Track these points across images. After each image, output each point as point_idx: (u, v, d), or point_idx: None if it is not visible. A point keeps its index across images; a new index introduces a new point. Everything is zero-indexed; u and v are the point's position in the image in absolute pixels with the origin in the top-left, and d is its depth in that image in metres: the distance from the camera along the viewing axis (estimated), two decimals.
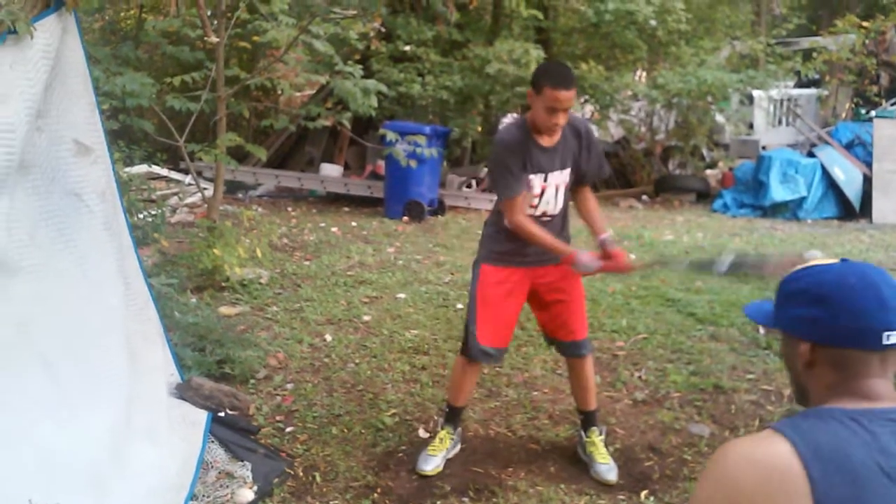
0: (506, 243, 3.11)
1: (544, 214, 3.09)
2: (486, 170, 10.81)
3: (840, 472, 1.15)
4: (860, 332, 1.28)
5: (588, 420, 3.33)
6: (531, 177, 3.01)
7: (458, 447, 3.37)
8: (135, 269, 3.22)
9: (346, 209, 9.75)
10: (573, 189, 3.17)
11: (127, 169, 6.87)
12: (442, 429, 3.33)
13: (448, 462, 3.26)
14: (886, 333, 1.27)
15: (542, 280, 3.14)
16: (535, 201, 3.05)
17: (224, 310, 5.00)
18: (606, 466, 3.19)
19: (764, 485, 1.17)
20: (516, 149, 2.99)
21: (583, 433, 3.33)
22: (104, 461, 2.67)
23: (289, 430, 3.52)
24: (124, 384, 2.92)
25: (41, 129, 2.61)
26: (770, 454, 1.19)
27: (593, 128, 12.79)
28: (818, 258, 1.41)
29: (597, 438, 3.28)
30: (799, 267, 1.40)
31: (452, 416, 3.35)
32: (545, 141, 3.02)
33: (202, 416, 3.30)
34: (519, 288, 3.16)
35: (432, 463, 3.21)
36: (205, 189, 6.28)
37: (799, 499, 1.14)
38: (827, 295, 1.31)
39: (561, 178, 3.07)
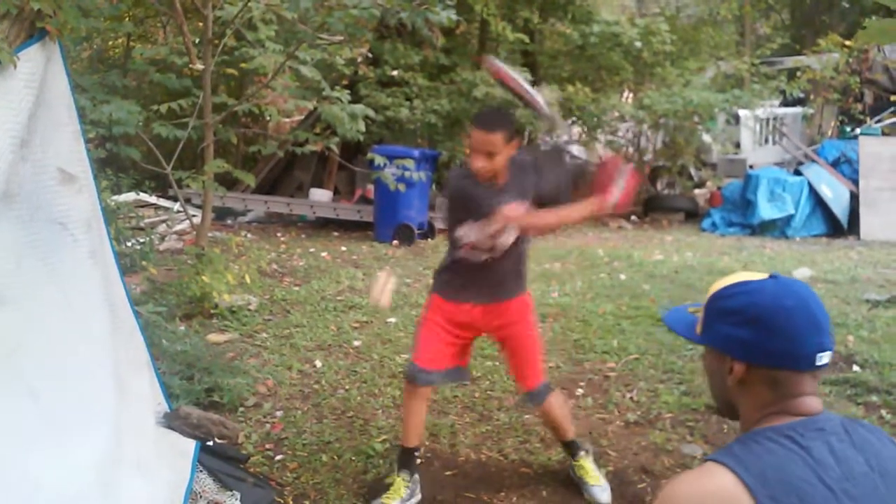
0: (454, 277, 3.07)
1: (492, 249, 2.95)
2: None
3: (786, 493, 1.17)
4: (795, 354, 1.30)
5: (570, 447, 3.29)
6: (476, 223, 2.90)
7: (417, 497, 3.15)
8: (121, 297, 3.20)
9: (336, 234, 9.74)
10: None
11: (115, 197, 6.86)
12: (397, 475, 3.13)
13: (439, 488, 3.23)
14: (819, 355, 1.30)
15: (491, 321, 3.08)
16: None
17: (213, 337, 4.97)
18: (599, 488, 3.16)
19: None
20: (457, 193, 2.97)
21: (571, 458, 3.30)
22: (93, 492, 2.63)
23: (278, 458, 3.49)
24: (111, 414, 2.89)
25: (25, 158, 2.59)
26: (717, 487, 1.19)
27: (579, 149, 12.88)
28: (745, 273, 1.40)
29: (584, 461, 3.24)
30: (731, 283, 1.39)
31: (405, 459, 3.16)
32: (488, 180, 2.91)
33: (190, 445, 3.26)
34: (466, 324, 3.08)
35: None
36: (193, 216, 6.26)
37: None
38: (762, 317, 1.31)
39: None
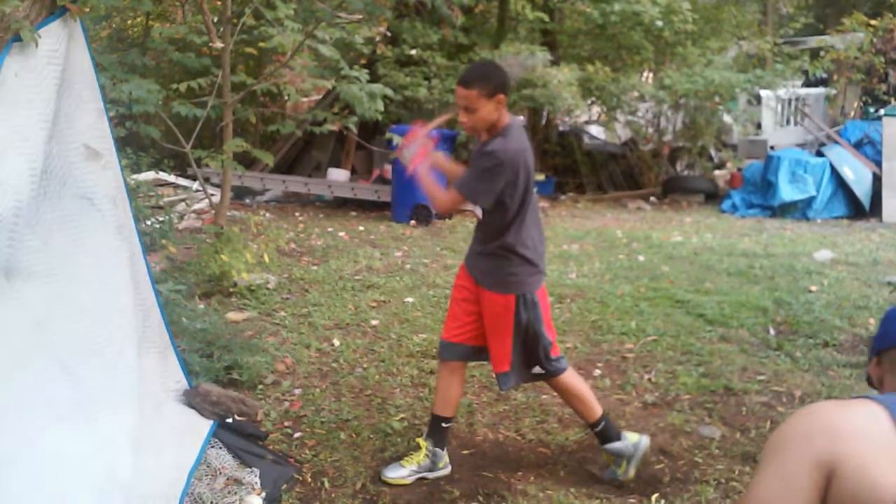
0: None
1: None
2: None
3: None
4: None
5: (600, 435, 3.18)
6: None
7: (441, 472, 3.18)
8: (144, 274, 3.22)
9: (354, 214, 9.75)
10: None
11: (134, 176, 6.91)
12: (425, 440, 3.20)
13: (456, 467, 3.24)
14: None
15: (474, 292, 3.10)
16: None
17: (232, 315, 5.00)
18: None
19: (868, 427, 1.23)
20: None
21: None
22: (117, 466, 2.65)
23: (297, 435, 3.51)
24: (136, 388, 2.91)
25: (52, 135, 2.61)
26: (868, 413, 1.26)
27: (597, 129, 12.77)
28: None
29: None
30: None
31: (436, 429, 3.20)
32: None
33: (204, 427, 3.27)
34: (464, 287, 3.14)
35: (396, 472, 3.12)
36: (212, 195, 6.29)
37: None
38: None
39: None
